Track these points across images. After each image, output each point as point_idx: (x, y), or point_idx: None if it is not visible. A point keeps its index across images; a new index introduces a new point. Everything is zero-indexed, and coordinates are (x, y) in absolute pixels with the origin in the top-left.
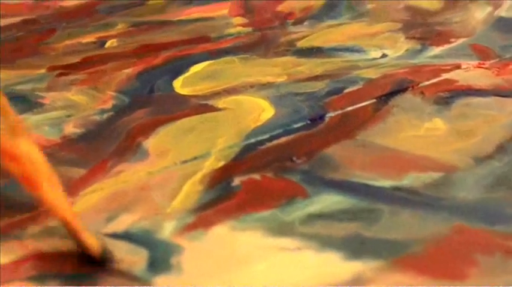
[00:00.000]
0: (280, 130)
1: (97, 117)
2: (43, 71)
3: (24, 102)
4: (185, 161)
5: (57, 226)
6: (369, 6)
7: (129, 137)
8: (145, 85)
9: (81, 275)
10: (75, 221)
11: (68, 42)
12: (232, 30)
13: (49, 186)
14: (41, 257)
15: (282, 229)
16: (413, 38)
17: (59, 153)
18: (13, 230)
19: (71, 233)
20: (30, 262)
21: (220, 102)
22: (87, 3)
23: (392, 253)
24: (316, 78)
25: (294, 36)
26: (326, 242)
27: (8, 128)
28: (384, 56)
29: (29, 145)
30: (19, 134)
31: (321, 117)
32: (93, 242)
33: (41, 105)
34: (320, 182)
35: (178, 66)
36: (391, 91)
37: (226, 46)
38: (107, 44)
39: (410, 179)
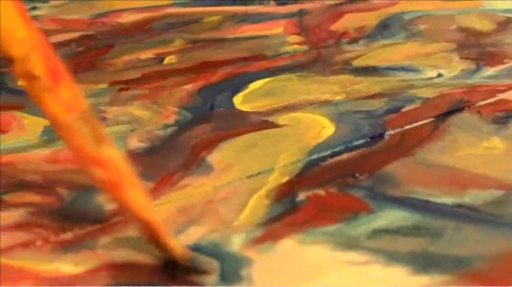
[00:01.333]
0: (342, 147)
1: (161, 132)
2: (104, 85)
3: None
4: (250, 176)
5: (130, 236)
6: (422, 27)
7: (193, 151)
8: (206, 101)
9: (155, 285)
10: (159, 225)
11: (126, 58)
12: (288, 48)
13: (133, 190)
14: (115, 267)
15: (349, 243)
16: (468, 58)
17: None
18: (85, 240)
19: (155, 237)
20: (104, 271)
21: (280, 119)
22: (143, 20)
23: (457, 268)
24: (373, 96)
25: (349, 55)
26: (393, 257)
27: (92, 135)
28: (439, 75)
29: (112, 151)
30: (103, 140)
31: (381, 135)
32: (177, 246)
33: (104, 119)
34: (383, 198)
35: (237, 83)
36: (448, 110)
37: (283, 64)
38: (166, 61)
39: (472, 197)
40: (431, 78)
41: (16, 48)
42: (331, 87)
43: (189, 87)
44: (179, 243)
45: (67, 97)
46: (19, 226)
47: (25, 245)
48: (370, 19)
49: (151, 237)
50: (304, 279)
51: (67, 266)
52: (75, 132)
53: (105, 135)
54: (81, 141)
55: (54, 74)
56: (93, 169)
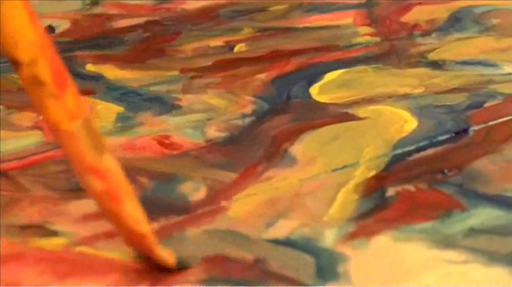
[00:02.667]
0: (426, 142)
1: (239, 122)
2: (175, 72)
3: (161, 104)
4: (335, 169)
5: (219, 228)
6: (494, 21)
7: (274, 142)
8: (281, 91)
9: (249, 281)
10: (151, 237)
11: (196, 45)
12: (360, 40)
13: (130, 201)
14: (207, 261)
15: (445, 242)
16: None
17: (206, 156)
18: (172, 231)
19: (147, 248)
20: (197, 265)
21: (360, 111)
22: (209, 6)
23: None
24: (453, 91)
25: (423, 48)
26: (492, 257)
27: (93, 143)
28: None
29: (111, 161)
30: (103, 149)
31: (465, 131)
32: (167, 256)
33: (179, 107)
34: (474, 195)
35: (312, 74)
36: None
37: (357, 55)
38: (236, 49)
39: None
40: (510, 73)
41: (24, 51)
42: (409, 80)
43: (262, 76)
44: (169, 252)
45: (71, 104)
46: (100, 215)
47: (109, 235)
48: (440, 12)
49: (145, 249)
50: (402, 277)
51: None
52: (78, 140)
53: (105, 144)
54: (82, 149)
55: (60, 80)
56: (92, 179)
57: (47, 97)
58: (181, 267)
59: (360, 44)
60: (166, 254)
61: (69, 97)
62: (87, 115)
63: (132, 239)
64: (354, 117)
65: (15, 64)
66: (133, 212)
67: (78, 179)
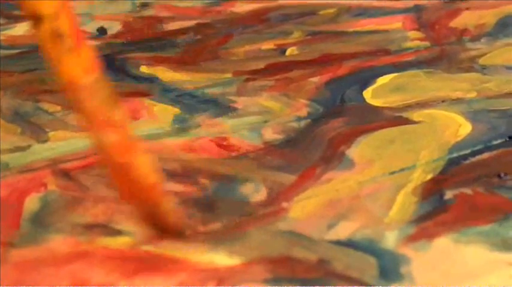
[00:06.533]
0: (481, 146)
1: (294, 125)
2: (229, 75)
3: (217, 106)
4: (392, 172)
5: (282, 229)
6: None
7: (331, 145)
8: (335, 95)
9: (313, 280)
10: (161, 188)
11: (247, 47)
12: (410, 44)
13: (142, 155)
14: (271, 260)
15: (506, 244)
16: None
17: (264, 158)
18: (235, 231)
19: (154, 201)
20: (261, 265)
21: (414, 115)
22: (259, 10)
23: None
24: (505, 95)
25: (473, 53)
26: None
27: (107, 97)
28: None
29: (123, 115)
30: (116, 103)
31: None
32: (172, 212)
33: (235, 109)
34: None
35: (364, 77)
36: None
37: (408, 59)
38: (288, 52)
39: None
40: None
41: (47, 5)
42: (461, 85)
43: (315, 79)
44: (174, 211)
45: (87, 58)
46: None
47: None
48: (488, 17)
49: (152, 202)
50: (465, 279)
51: (222, 258)
52: (93, 94)
53: (118, 98)
54: (97, 103)
55: (78, 34)
56: (107, 132)
57: (65, 51)
58: (180, 230)
59: (411, 48)
60: (172, 211)
61: (85, 51)
62: (99, 70)
63: (141, 192)
64: (408, 121)
65: (37, 19)
66: (145, 162)
67: (92, 135)
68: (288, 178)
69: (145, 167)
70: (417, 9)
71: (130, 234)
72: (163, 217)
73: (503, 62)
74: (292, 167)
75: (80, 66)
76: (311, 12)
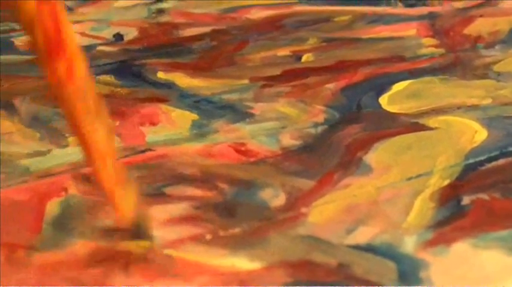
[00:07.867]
0: (497, 152)
1: (312, 131)
2: (245, 81)
3: (234, 112)
4: (410, 178)
5: (301, 234)
6: None
7: (348, 151)
8: (351, 101)
9: (334, 285)
10: (120, 175)
11: (263, 54)
12: (425, 51)
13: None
14: (291, 265)
15: None
16: None
17: (283, 163)
18: (255, 236)
19: (109, 188)
20: (281, 269)
21: (430, 122)
22: (274, 16)
23: None
24: None
25: (488, 59)
26: None
27: (89, 105)
28: None
29: (107, 121)
30: (98, 110)
31: None
32: (128, 206)
33: (252, 115)
34: None
35: (380, 84)
36: None
37: (423, 66)
38: (303, 58)
39: None
40: None
41: (25, 13)
42: (476, 92)
43: (331, 86)
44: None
45: (70, 64)
46: (185, 219)
47: (194, 238)
48: (502, 24)
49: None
50: (482, 283)
51: (242, 262)
52: (76, 99)
53: (103, 104)
54: (81, 108)
55: (58, 40)
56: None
57: (47, 57)
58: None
59: (425, 55)
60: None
61: (69, 57)
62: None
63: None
64: (424, 128)
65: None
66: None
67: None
68: (306, 183)
69: (104, 146)
70: (431, 16)
71: (152, 238)
72: (117, 209)
73: None
74: (310, 173)
75: (62, 72)
76: (326, 19)
